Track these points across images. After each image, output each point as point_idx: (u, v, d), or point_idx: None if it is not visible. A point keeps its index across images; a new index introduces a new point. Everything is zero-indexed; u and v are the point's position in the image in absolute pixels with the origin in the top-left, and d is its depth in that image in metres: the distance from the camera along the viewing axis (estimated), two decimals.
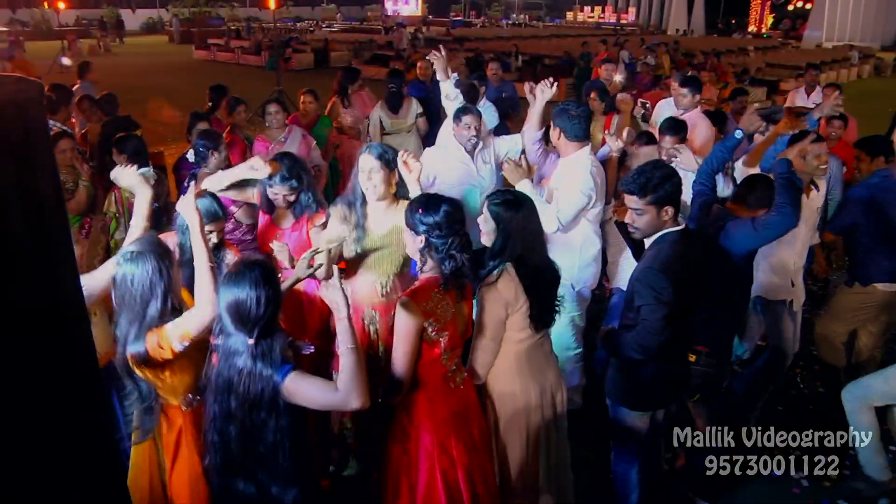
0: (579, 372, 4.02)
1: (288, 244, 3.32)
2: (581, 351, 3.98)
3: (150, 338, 2.27)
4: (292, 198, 3.38)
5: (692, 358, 3.14)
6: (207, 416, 2.27)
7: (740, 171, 4.29)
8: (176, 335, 2.26)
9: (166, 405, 2.47)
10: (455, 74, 5.02)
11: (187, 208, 2.50)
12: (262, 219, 3.59)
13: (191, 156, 4.08)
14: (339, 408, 2.26)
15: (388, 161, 3.05)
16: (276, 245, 3.13)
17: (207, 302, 2.26)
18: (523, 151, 4.27)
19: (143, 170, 2.79)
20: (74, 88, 7.81)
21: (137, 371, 2.33)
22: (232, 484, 2.26)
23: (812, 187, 3.68)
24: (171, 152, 8.24)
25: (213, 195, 3.14)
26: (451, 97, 4.70)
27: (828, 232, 4.03)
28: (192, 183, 2.85)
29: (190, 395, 2.45)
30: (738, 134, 3.49)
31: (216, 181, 3.32)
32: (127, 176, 2.78)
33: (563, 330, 3.76)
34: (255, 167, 3.22)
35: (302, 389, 2.16)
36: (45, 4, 32.27)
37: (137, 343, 2.27)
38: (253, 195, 3.52)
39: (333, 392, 2.15)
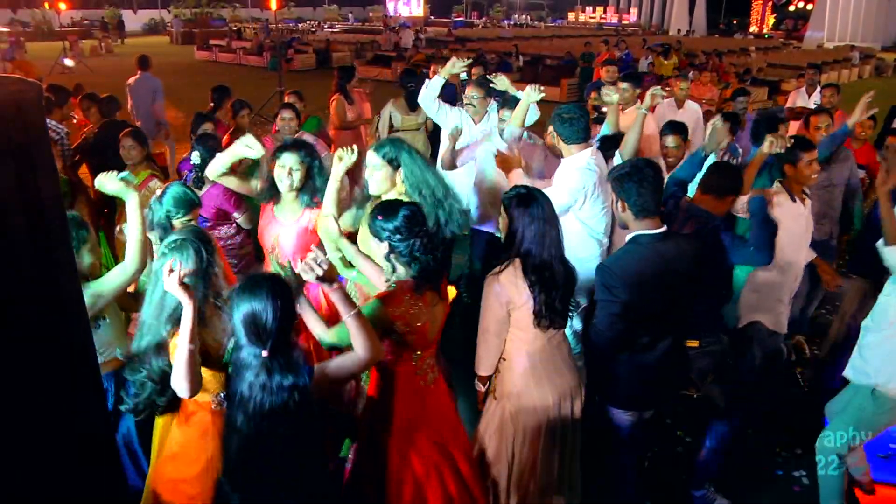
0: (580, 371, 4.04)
1: (291, 239, 3.30)
2: (580, 351, 3.98)
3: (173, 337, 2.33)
4: (299, 179, 3.29)
5: (695, 344, 3.13)
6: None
7: None
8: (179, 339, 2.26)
9: (195, 401, 2.41)
10: (464, 73, 5.22)
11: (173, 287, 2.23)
12: (263, 214, 3.51)
13: (194, 157, 4.08)
14: (367, 367, 2.31)
15: (392, 160, 3.07)
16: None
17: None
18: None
19: (122, 174, 2.74)
20: (134, 79, 7.97)
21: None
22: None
23: (805, 196, 3.64)
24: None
25: (184, 183, 3.16)
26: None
27: None
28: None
29: (222, 394, 2.38)
30: (703, 153, 3.58)
31: (215, 166, 3.36)
32: (110, 182, 2.74)
33: None
34: (250, 145, 3.24)
35: (330, 372, 2.24)
36: (46, 5, 32.28)
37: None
38: (255, 188, 3.50)
39: (355, 357, 2.22)
